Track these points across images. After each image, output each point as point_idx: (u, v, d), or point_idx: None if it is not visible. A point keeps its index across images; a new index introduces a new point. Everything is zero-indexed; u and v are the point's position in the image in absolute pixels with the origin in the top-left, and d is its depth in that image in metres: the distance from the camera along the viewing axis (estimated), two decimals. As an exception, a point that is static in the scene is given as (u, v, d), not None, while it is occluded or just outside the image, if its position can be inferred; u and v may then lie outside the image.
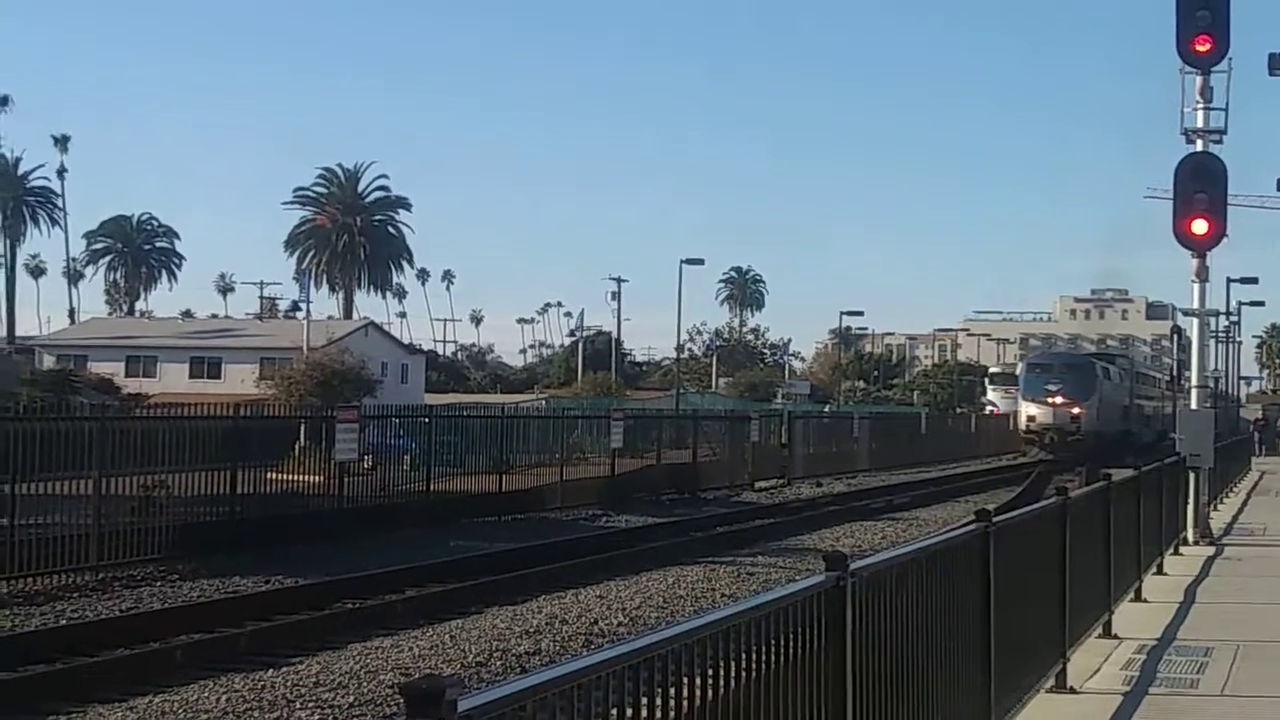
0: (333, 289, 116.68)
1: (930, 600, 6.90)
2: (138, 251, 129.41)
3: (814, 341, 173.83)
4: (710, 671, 4.46)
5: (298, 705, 12.54)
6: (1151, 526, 16.59)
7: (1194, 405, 24.13)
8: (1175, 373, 62.83)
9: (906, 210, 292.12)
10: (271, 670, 13.91)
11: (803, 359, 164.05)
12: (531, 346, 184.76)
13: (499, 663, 14.71)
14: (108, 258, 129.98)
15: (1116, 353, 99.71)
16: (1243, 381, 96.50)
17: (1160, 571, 17.53)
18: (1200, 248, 22.30)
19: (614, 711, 3.88)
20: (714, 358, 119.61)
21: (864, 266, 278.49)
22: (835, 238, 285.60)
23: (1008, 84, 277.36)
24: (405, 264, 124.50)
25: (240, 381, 72.62)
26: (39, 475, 19.75)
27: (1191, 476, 22.05)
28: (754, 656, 4.80)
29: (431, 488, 29.01)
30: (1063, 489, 11.20)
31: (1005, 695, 8.38)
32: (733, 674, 4.62)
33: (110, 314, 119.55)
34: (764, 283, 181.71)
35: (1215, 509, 26.64)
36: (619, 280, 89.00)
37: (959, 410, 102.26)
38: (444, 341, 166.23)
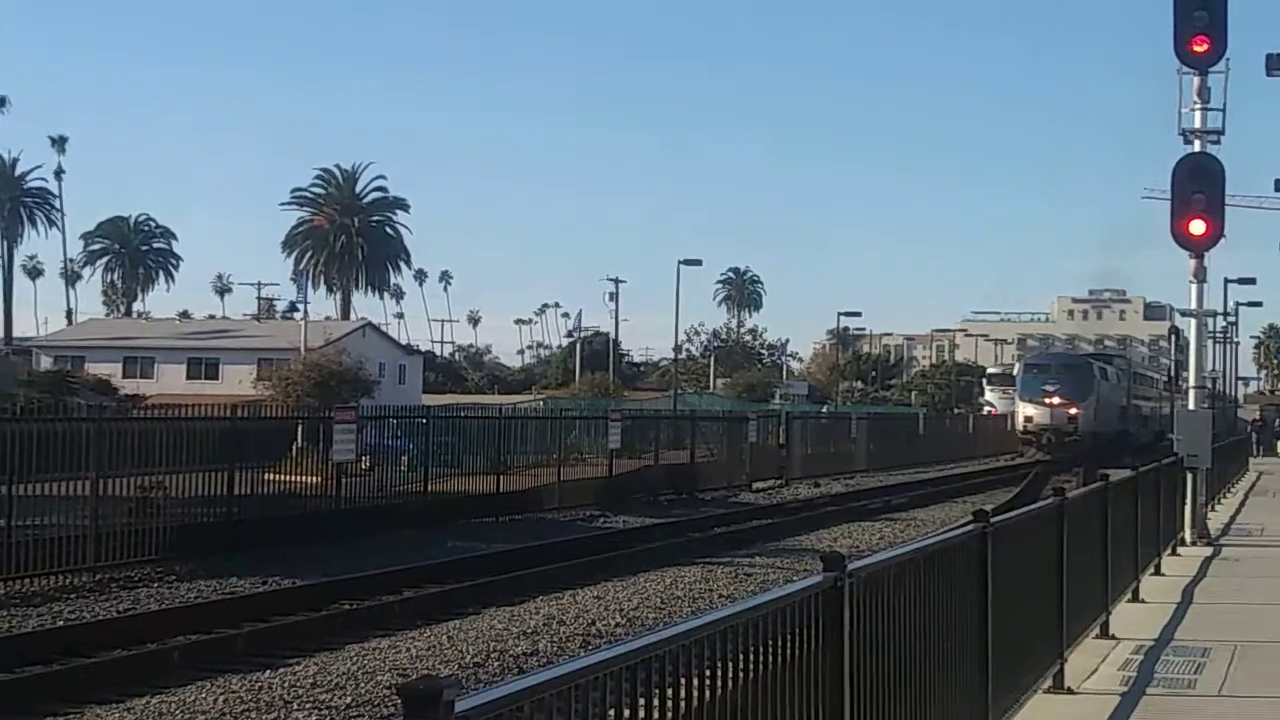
0: (330, 290, 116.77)
1: (928, 601, 6.90)
2: (135, 252, 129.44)
3: (812, 342, 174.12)
4: (708, 672, 4.46)
5: (295, 706, 12.53)
6: (1149, 527, 16.59)
7: (1191, 406, 24.15)
8: (1173, 373, 62.81)
9: (905, 210, 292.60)
10: (269, 671, 13.90)
11: (800, 359, 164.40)
12: (529, 347, 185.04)
13: (496, 663, 14.70)
14: (105, 259, 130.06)
15: (1114, 353, 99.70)
16: (1240, 382, 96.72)
17: (1158, 572, 17.54)
18: (1198, 248, 22.32)
19: (611, 712, 3.88)
20: (712, 358, 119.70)
21: (862, 267, 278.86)
22: (834, 238, 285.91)
23: (1007, 84, 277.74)
24: (403, 265, 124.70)
25: (238, 382, 72.54)
26: (36, 476, 19.75)
27: (1189, 477, 22.06)
28: (752, 657, 4.80)
29: (429, 488, 29.01)
30: (1060, 489, 11.20)
31: (1003, 695, 8.38)
32: (730, 675, 4.62)
33: (107, 315, 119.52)
34: (762, 283, 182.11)
35: (1213, 509, 26.65)
36: (617, 281, 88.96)
37: (957, 411, 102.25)
38: (442, 342, 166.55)
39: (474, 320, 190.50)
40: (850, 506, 36.31)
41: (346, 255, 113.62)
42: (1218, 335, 63.37)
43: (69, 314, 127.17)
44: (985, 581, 7.94)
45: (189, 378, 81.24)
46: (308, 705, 12.57)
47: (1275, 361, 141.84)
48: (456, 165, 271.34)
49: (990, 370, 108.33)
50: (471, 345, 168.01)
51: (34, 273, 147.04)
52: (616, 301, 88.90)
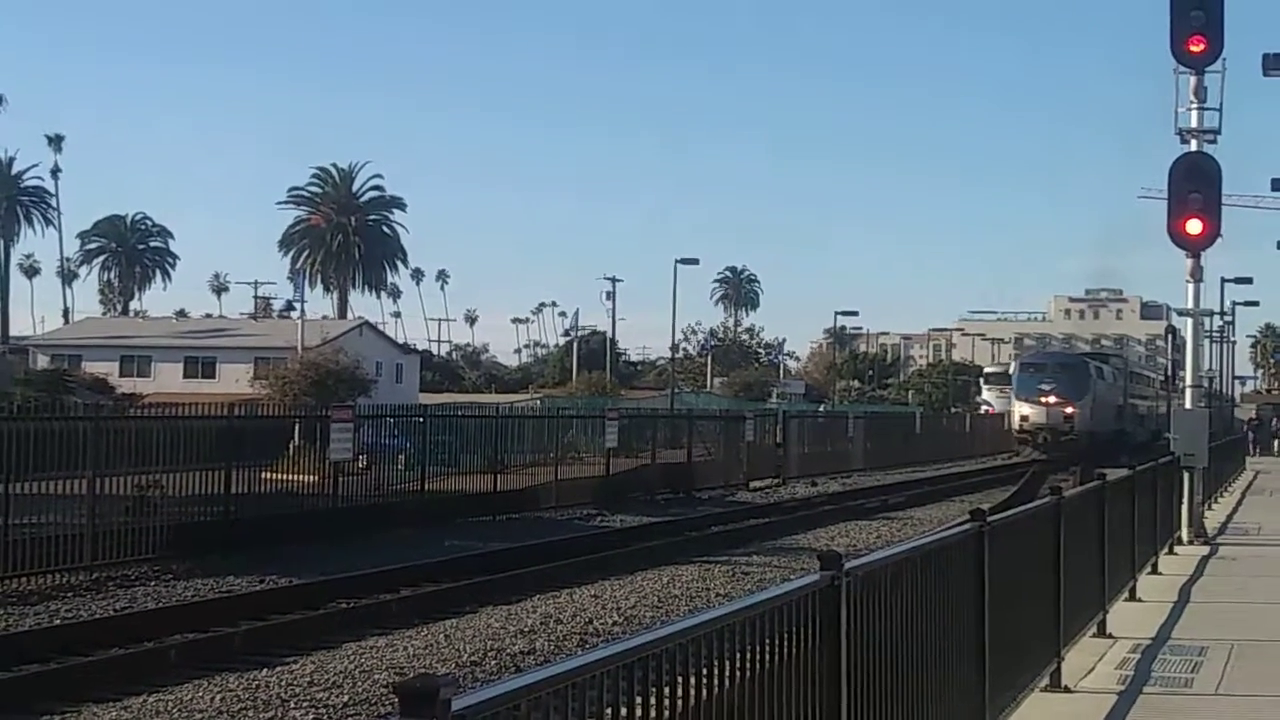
0: (327, 289, 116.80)
1: (925, 599, 6.90)
2: (132, 251, 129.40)
3: (809, 341, 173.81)
4: (705, 671, 4.46)
5: (292, 705, 12.53)
6: (1146, 526, 16.60)
7: (1188, 405, 24.18)
8: (1170, 372, 62.89)
9: (903, 210, 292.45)
10: (266, 670, 13.90)
11: (797, 359, 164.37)
12: (526, 346, 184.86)
13: (494, 662, 14.70)
14: (101, 257, 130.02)
15: (1110, 352, 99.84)
16: (1237, 381, 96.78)
17: (1155, 571, 17.56)
18: (1195, 248, 22.34)
19: (608, 711, 3.88)
20: (709, 357, 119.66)
21: (860, 266, 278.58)
22: (832, 237, 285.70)
23: (1006, 84, 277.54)
24: (400, 264, 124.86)
25: (235, 381, 72.49)
26: (33, 475, 19.72)
27: (1186, 476, 22.08)
28: (749, 656, 4.80)
29: (426, 487, 29.00)
30: (1057, 488, 11.21)
31: (1000, 694, 8.39)
32: (727, 673, 4.62)
33: (104, 314, 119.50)
34: (759, 282, 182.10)
35: (1210, 508, 26.69)
36: (614, 280, 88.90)
37: (954, 410, 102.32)
38: (439, 341, 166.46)
39: (471, 319, 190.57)
40: (847, 505, 36.32)
41: (343, 254, 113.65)
42: (1214, 334, 63.42)
43: (66, 313, 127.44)
44: (982, 580, 7.94)
45: (186, 376, 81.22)
46: (305, 704, 12.57)
47: (1272, 361, 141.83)
48: (454, 164, 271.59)
49: (987, 369, 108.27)
50: (468, 344, 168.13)
51: (30, 271, 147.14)
52: (614, 300, 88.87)
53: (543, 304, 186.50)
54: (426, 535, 25.77)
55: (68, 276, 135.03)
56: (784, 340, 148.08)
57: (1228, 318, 66.97)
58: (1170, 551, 20.02)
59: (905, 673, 6.54)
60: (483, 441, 32.14)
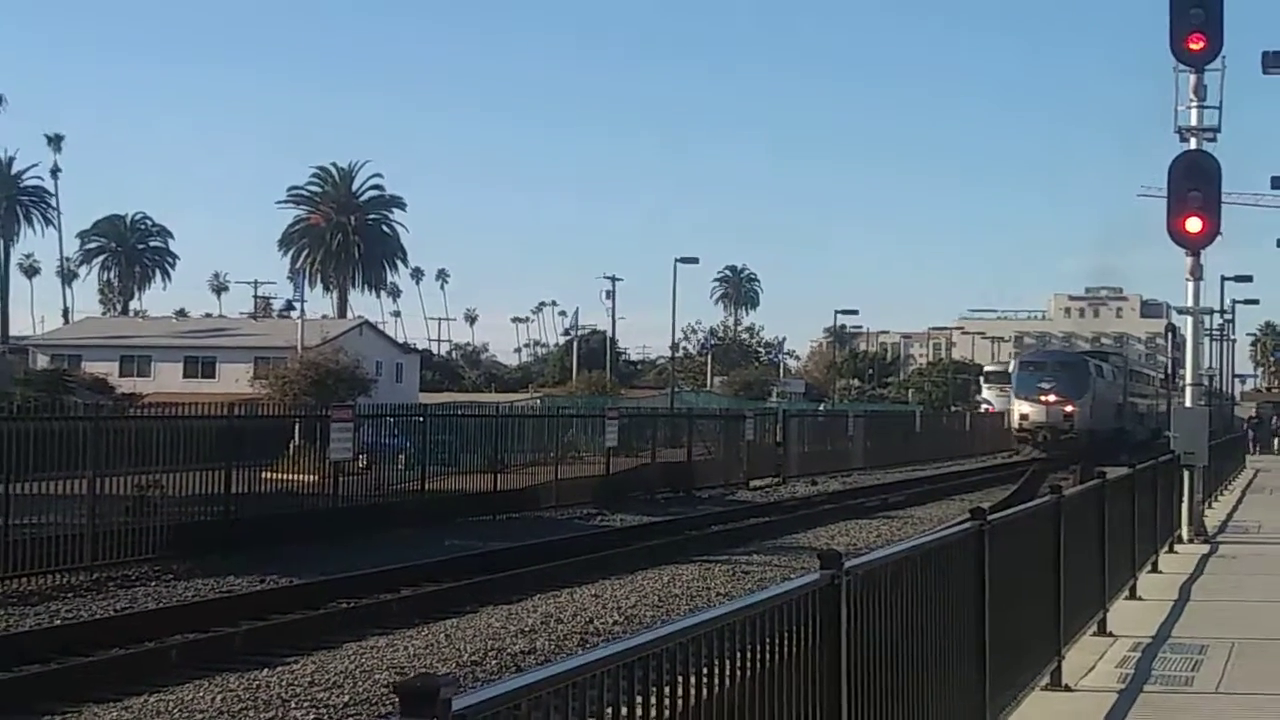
0: (327, 288, 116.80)
1: (925, 598, 6.90)
2: (131, 251, 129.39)
3: (809, 340, 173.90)
4: (705, 670, 4.46)
5: (293, 705, 12.53)
6: (1146, 524, 16.61)
7: (1188, 403, 24.18)
8: (1170, 371, 62.88)
9: (903, 209, 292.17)
10: (266, 670, 13.90)
11: (797, 358, 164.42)
12: (526, 345, 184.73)
13: (494, 662, 14.70)
14: (101, 257, 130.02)
15: (1110, 351, 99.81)
16: (1237, 379, 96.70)
17: (1155, 569, 17.56)
18: (1194, 246, 22.33)
19: (609, 710, 3.88)
20: (709, 356, 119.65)
21: (860, 265, 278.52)
22: (832, 237, 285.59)
23: (1006, 84, 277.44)
24: (400, 263, 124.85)
25: (235, 381, 72.50)
26: (33, 475, 19.72)
27: (1186, 474, 22.08)
28: (749, 655, 4.80)
29: (426, 487, 29.00)
30: (1057, 487, 11.21)
31: (1000, 693, 8.39)
32: (728, 672, 4.62)
33: (104, 313, 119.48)
34: (759, 281, 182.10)
35: (1210, 507, 26.69)
36: (614, 279, 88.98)
37: (953, 409, 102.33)
38: (439, 340, 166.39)
39: (471, 318, 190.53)
40: (847, 504, 36.33)
41: (343, 254, 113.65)
42: (1214, 333, 63.42)
43: (65, 313, 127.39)
44: (982, 579, 7.94)
45: (186, 376, 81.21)
46: (305, 704, 12.57)
47: (1272, 359, 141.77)
48: (454, 164, 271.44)
49: (987, 368, 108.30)
50: (468, 343, 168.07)
51: (30, 271, 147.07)
52: (613, 299, 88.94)
53: (543, 303, 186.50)
54: (427, 535, 25.77)
55: (67, 276, 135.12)
56: (784, 339, 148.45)
57: (1228, 316, 66.95)
58: (1170, 550, 20.02)
59: (906, 672, 6.54)
60: (483, 441, 32.13)
